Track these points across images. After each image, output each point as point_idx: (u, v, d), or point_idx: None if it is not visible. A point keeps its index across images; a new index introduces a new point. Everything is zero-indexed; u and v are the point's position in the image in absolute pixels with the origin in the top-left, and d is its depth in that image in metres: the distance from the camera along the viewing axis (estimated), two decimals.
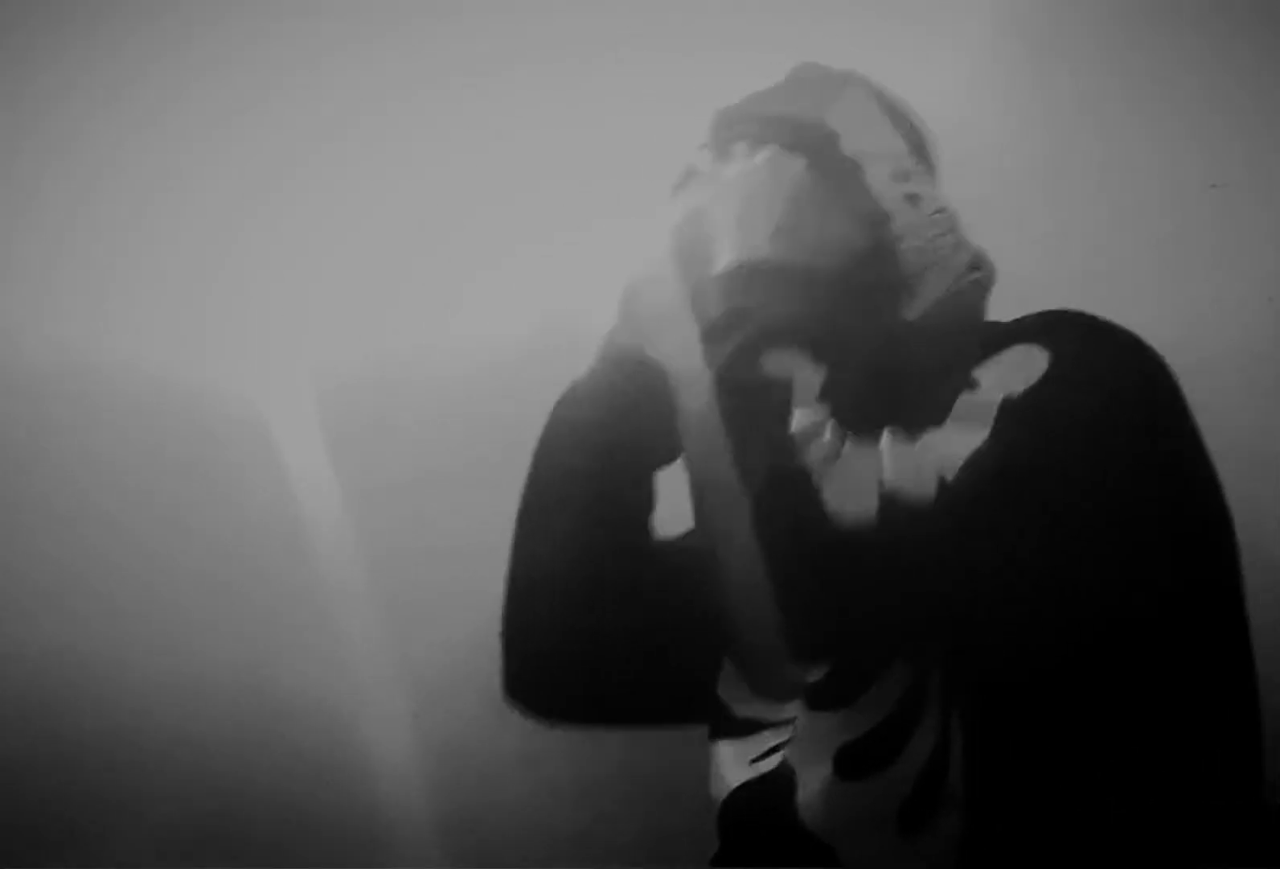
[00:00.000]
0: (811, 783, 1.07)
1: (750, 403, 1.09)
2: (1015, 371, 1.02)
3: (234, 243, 1.93)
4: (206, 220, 1.92)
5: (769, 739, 1.13)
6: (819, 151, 1.15)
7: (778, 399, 1.08)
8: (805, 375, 1.08)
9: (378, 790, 1.88)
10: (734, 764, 1.15)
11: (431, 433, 1.93)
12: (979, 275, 1.16)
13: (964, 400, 1.02)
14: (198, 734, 1.86)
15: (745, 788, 1.14)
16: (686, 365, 1.13)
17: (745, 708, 1.16)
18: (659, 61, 1.87)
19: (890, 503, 0.97)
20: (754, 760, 1.14)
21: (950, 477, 0.98)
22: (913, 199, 1.15)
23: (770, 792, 1.10)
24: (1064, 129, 1.80)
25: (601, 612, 1.20)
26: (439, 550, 1.91)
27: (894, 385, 1.08)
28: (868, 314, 1.11)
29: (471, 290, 1.94)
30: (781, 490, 1.04)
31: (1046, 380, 1.02)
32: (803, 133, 1.17)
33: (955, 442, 0.99)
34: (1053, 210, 1.79)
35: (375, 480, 1.92)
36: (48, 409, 1.90)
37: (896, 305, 1.13)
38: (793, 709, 1.12)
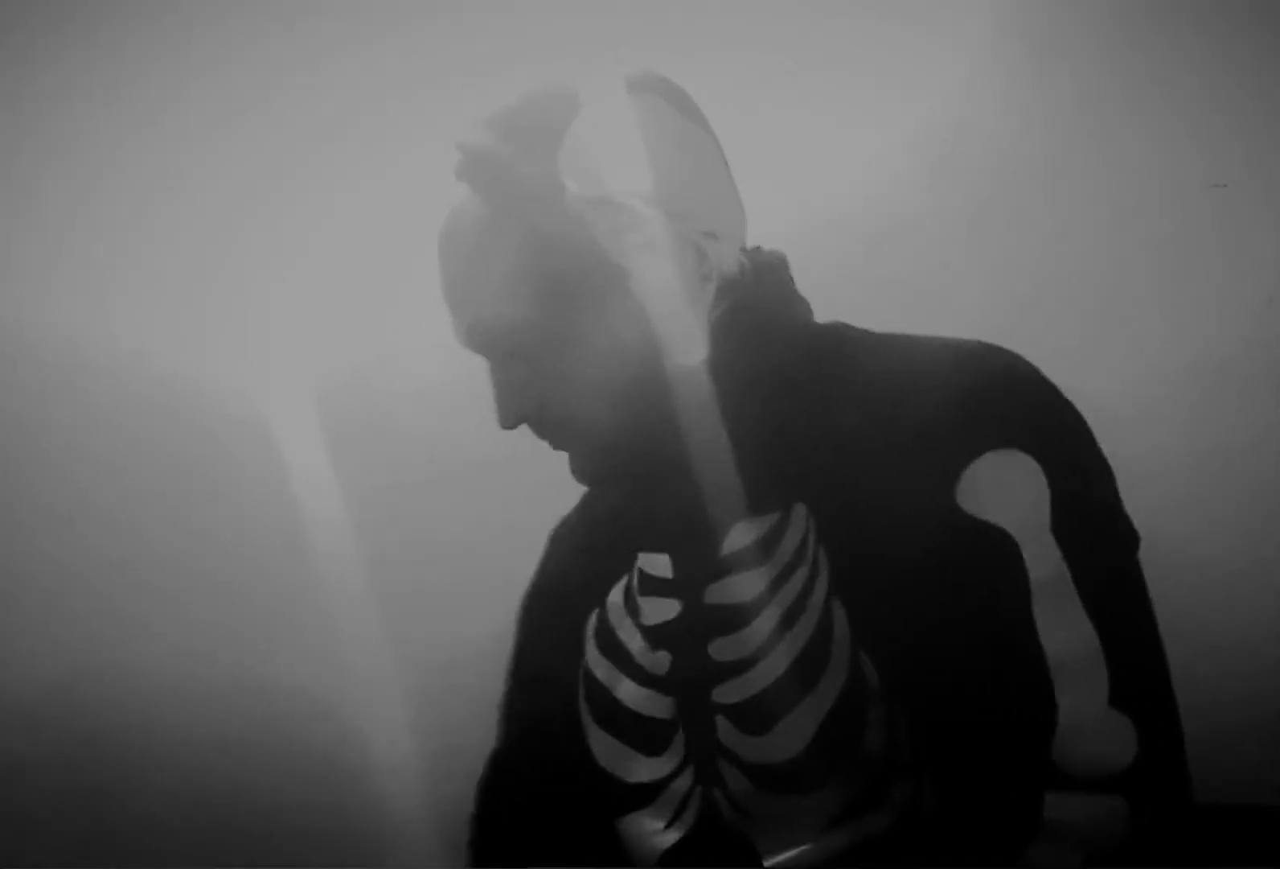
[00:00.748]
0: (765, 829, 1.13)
1: None
2: (1012, 489, 1.08)
3: (234, 242, 1.93)
4: (207, 219, 1.92)
5: (671, 799, 1.18)
6: (540, 214, 1.14)
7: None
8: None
9: (378, 790, 1.88)
10: (651, 832, 1.20)
11: (431, 433, 1.93)
12: (731, 303, 1.18)
13: (968, 520, 1.08)
14: (198, 734, 1.86)
15: (676, 851, 1.18)
16: None
17: (633, 772, 1.20)
18: (658, 62, 1.86)
19: None
20: (670, 822, 1.18)
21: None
22: (649, 245, 1.14)
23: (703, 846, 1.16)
24: (1064, 129, 1.80)
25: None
26: (438, 550, 1.92)
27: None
28: (629, 365, 1.15)
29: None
30: None
31: (1059, 507, 1.08)
32: (529, 189, 1.14)
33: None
34: (1052, 210, 1.79)
35: (375, 479, 1.92)
36: (48, 406, 1.90)
37: (656, 355, 1.15)
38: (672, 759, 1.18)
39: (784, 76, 1.86)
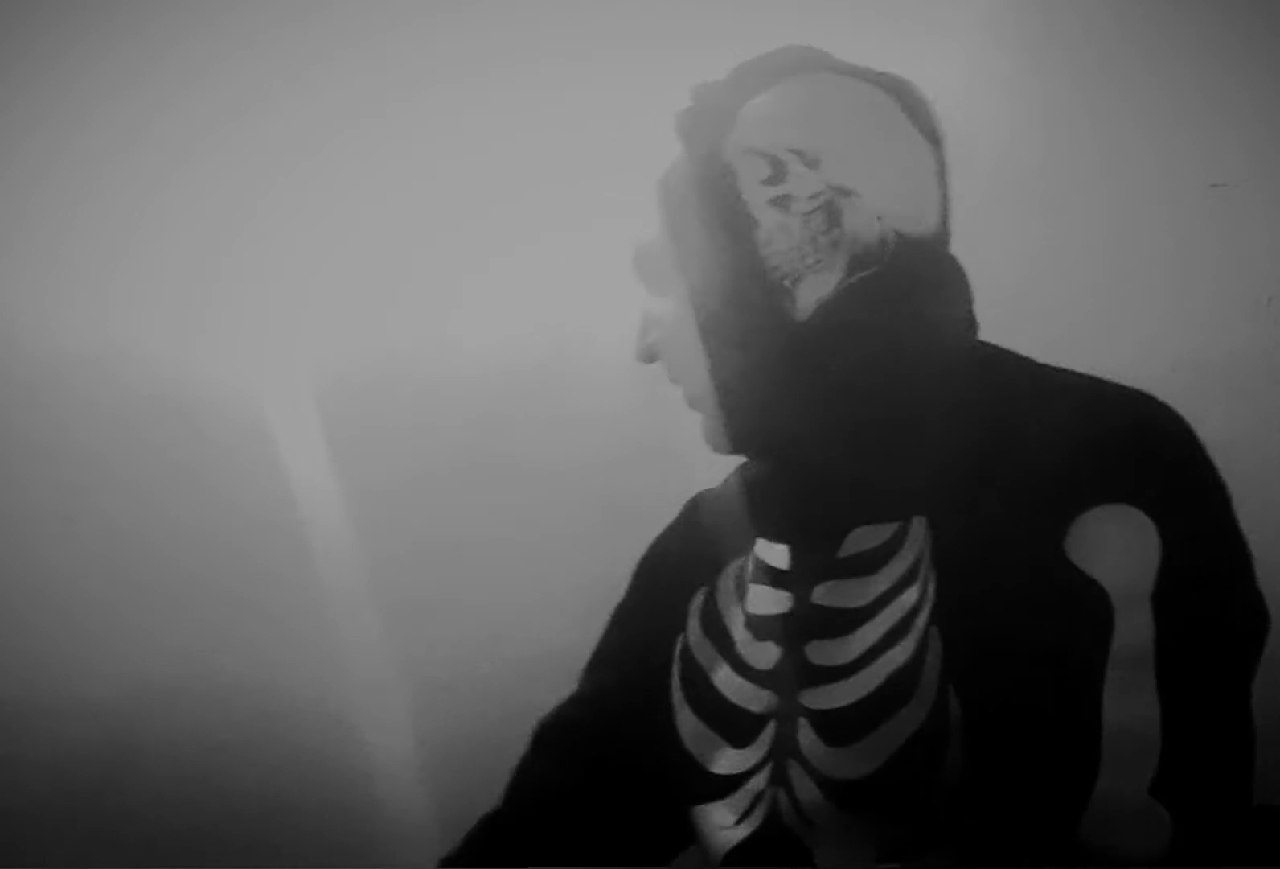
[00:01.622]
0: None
1: None
2: (1122, 546, 1.04)
3: (234, 241, 1.93)
4: (205, 219, 1.92)
5: (749, 792, 1.17)
6: (704, 155, 1.19)
7: None
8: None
9: (378, 790, 1.88)
10: (721, 826, 1.19)
11: (431, 434, 1.93)
12: (869, 272, 1.17)
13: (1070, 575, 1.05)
14: (198, 734, 1.86)
15: (742, 849, 1.18)
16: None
17: (716, 761, 1.19)
18: (653, 61, 1.87)
19: None
20: (740, 819, 1.18)
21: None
22: (782, 202, 1.17)
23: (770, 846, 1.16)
24: (1059, 126, 1.81)
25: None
26: (438, 550, 1.92)
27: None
28: (749, 316, 1.17)
29: (470, 289, 1.94)
30: None
31: (1166, 576, 1.04)
32: (701, 128, 1.20)
33: None
34: (1047, 209, 1.79)
35: (374, 480, 1.92)
36: (46, 406, 1.90)
37: (780, 308, 1.16)
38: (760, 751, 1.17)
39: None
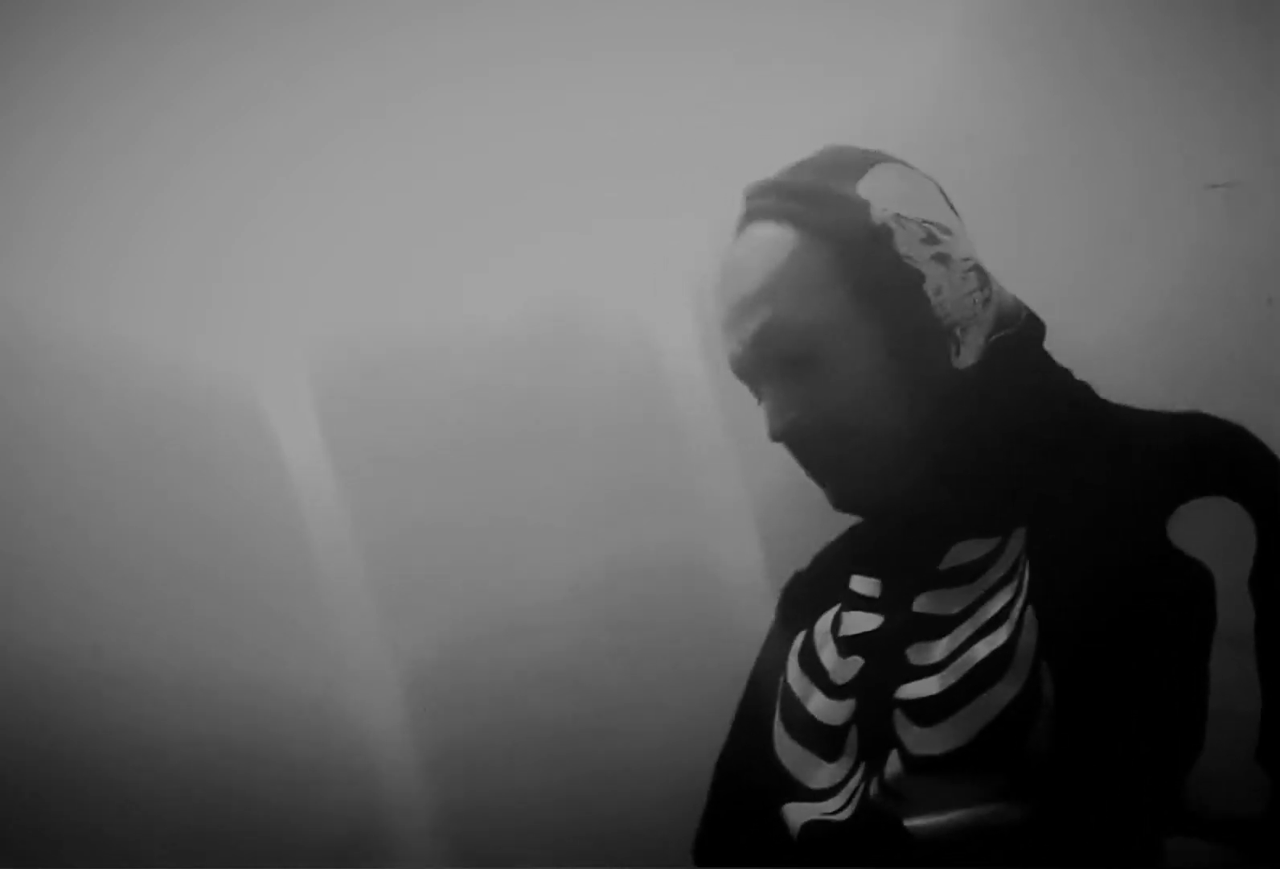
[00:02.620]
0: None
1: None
2: (1218, 534, 1.15)
3: (234, 239, 1.93)
4: (207, 210, 1.92)
5: (844, 796, 1.26)
6: (845, 225, 1.27)
7: None
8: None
9: (378, 790, 1.88)
10: (804, 814, 1.29)
11: (430, 422, 1.93)
12: (1007, 333, 1.28)
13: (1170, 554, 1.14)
14: (197, 733, 1.86)
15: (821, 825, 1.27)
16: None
17: (815, 778, 1.29)
18: (653, 61, 1.87)
19: None
20: (835, 813, 1.27)
21: None
22: (943, 259, 1.27)
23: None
24: (1051, 130, 1.81)
25: None
26: (439, 540, 1.92)
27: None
28: (912, 360, 1.26)
29: (467, 270, 1.94)
30: None
31: (1262, 560, 1.14)
32: (828, 204, 1.28)
33: None
34: (1050, 212, 1.79)
35: (373, 467, 1.92)
36: (46, 395, 1.90)
37: (945, 354, 1.26)
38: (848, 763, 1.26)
39: (752, 66, 1.87)
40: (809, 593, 1.42)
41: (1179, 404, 1.30)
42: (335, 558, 1.90)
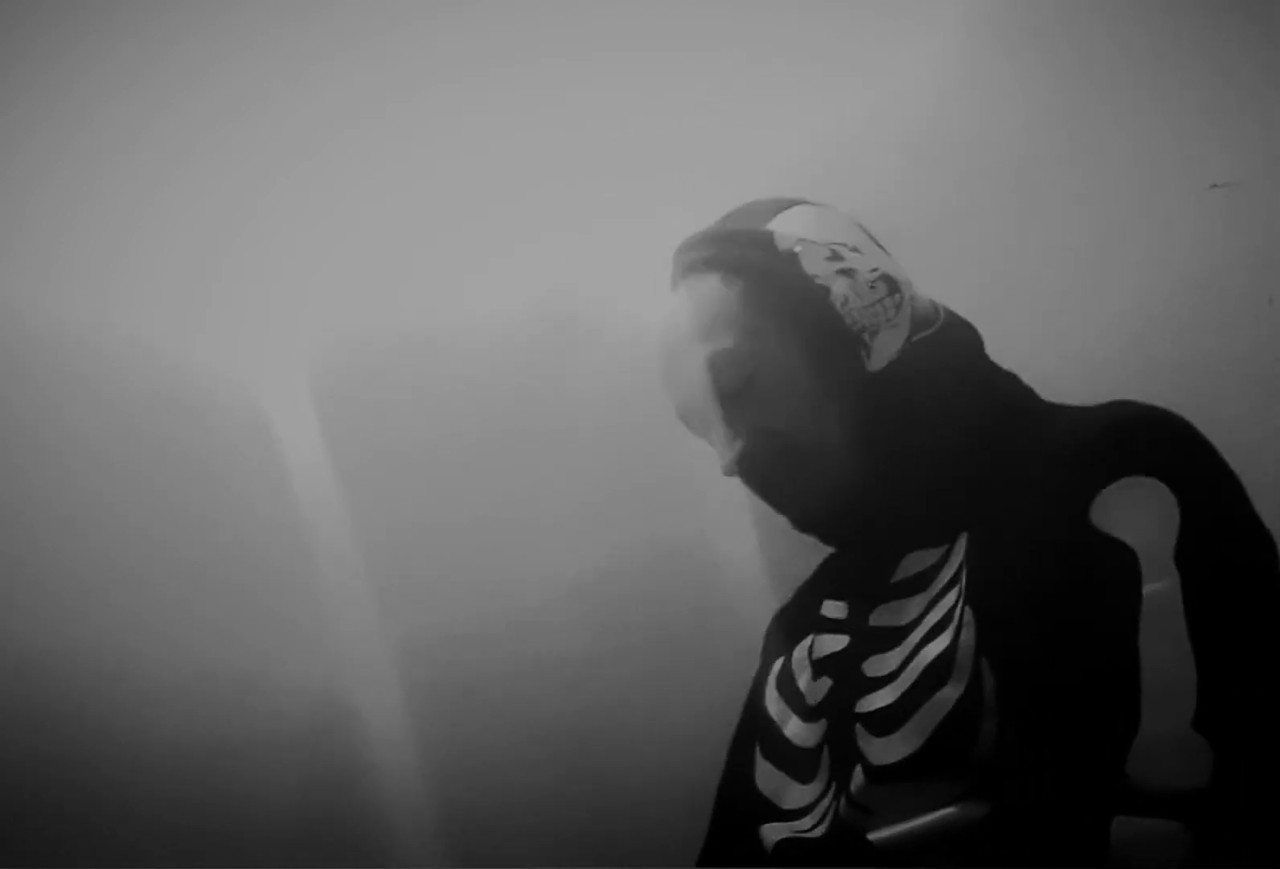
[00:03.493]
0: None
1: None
2: (1142, 513, 1.17)
3: (234, 239, 1.93)
4: (209, 210, 1.93)
5: (816, 815, 1.29)
6: (756, 257, 1.34)
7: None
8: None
9: (378, 790, 1.88)
10: (779, 833, 1.32)
11: (430, 423, 1.93)
12: (929, 333, 1.32)
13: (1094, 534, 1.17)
14: (197, 733, 1.86)
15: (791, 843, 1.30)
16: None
17: (790, 799, 1.32)
18: (653, 61, 1.87)
19: None
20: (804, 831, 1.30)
21: None
22: (848, 272, 1.33)
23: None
24: (1060, 129, 1.80)
25: None
26: (438, 546, 1.92)
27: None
28: (828, 368, 1.31)
29: (467, 270, 1.95)
30: None
31: (1186, 533, 1.16)
32: (740, 243, 1.36)
33: None
34: (1050, 212, 1.79)
35: (373, 466, 1.93)
36: (47, 395, 1.90)
37: (858, 359, 1.30)
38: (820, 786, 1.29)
39: (753, 66, 1.87)
40: (789, 623, 1.45)
41: (1179, 403, 1.30)
42: (335, 558, 1.90)
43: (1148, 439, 1.22)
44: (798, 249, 1.34)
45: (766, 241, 1.35)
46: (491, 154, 1.92)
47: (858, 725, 1.25)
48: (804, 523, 1.36)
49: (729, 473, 1.34)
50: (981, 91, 1.82)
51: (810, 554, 1.48)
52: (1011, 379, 1.36)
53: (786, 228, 1.36)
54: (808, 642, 1.38)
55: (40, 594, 1.87)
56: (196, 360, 1.92)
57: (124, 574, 1.88)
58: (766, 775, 1.35)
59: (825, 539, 1.39)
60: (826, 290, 1.32)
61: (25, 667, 1.84)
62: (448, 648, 1.88)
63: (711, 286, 1.35)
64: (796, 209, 1.39)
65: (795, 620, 1.44)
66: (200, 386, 1.92)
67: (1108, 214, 1.78)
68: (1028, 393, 1.36)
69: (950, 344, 1.34)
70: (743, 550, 1.82)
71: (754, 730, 1.41)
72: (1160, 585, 1.13)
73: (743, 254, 1.35)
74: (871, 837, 1.21)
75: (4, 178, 1.91)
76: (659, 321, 1.40)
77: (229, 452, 1.92)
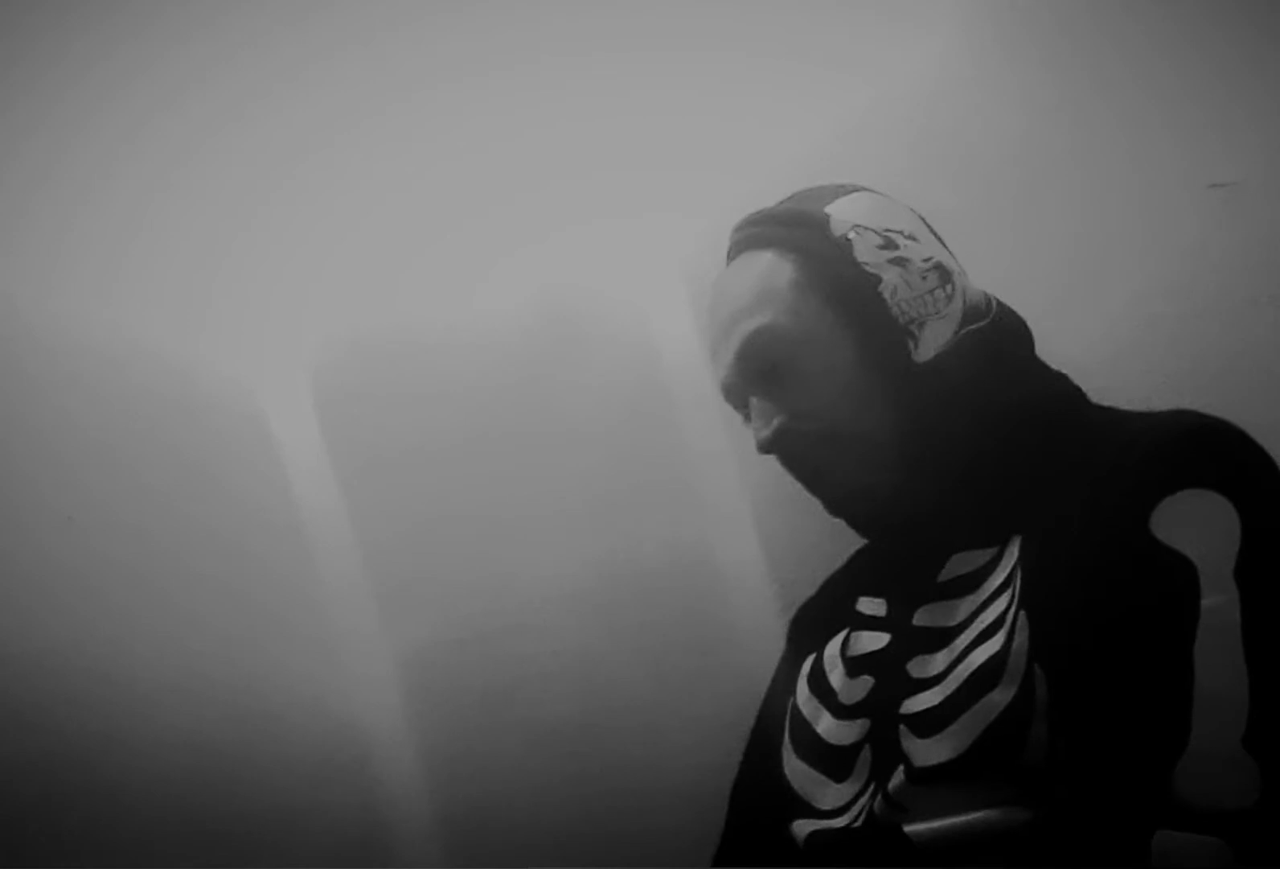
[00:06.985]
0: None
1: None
2: (1203, 526, 1.17)
3: (235, 239, 1.93)
4: (210, 210, 1.93)
5: (854, 812, 1.28)
6: (810, 239, 1.35)
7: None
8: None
9: (378, 790, 1.88)
10: (811, 827, 1.32)
11: (430, 426, 1.93)
12: (980, 325, 1.33)
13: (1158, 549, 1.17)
14: (196, 733, 1.86)
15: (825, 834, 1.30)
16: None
17: (824, 799, 1.31)
18: (653, 61, 1.88)
19: None
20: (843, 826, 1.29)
21: None
22: (900, 261, 1.33)
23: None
24: (1046, 127, 1.81)
25: None
26: (438, 546, 1.92)
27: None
28: (874, 357, 1.31)
29: (468, 269, 1.95)
30: None
31: (1246, 547, 1.16)
32: (796, 224, 1.37)
33: None
34: (1049, 211, 1.79)
35: (373, 467, 1.93)
36: (48, 395, 1.90)
37: (904, 350, 1.30)
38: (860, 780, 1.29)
39: (753, 66, 1.87)
40: (818, 619, 1.45)
41: (1178, 404, 1.30)
42: (335, 558, 1.90)
43: (1211, 451, 1.21)
44: (851, 235, 1.34)
45: (822, 224, 1.36)
46: (491, 154, 1.93)
47: (902, 726, 1.24)
48: (839, 507, 1.35)
49: (764, 450, 1.34)
50: (982, 91, 1.82)
51: (811, 554, 1.48)
52: (1061, 378, 1.36)
53: (844, 213, 1.37)
54: (840, 638, 1.38)
55: (40, 594, 1.87)
56: (197, 361, 1.92)
57: (124, 574, 1.88)
58: (798, 773, 1.35)
59: (861, 529, 1.38)
60: (878, 279, 1.32)
61: (25, 667, 1.84)
62: (448, 648, 1.88)
63: (763, 263, 1.37)
64: (857, 195, 1.40)
65: (826, 615, 1.43)
66: (201, 387, 1.92)
67: (1107, 214, 1.78)
68: (1077, 393, 1.36)
69: (1000, 338, 1.34)
70: (743, 550, 1.82)
71: (779, 728, 1.40)
72: (1218, 600, 1.13)
73: (796, 235, 1.36)
74: (907, 829, 1.21)
75: (6, 178, 1.91)
76: (710, 293, 1.41)
77: (229, 452, 1.92)
